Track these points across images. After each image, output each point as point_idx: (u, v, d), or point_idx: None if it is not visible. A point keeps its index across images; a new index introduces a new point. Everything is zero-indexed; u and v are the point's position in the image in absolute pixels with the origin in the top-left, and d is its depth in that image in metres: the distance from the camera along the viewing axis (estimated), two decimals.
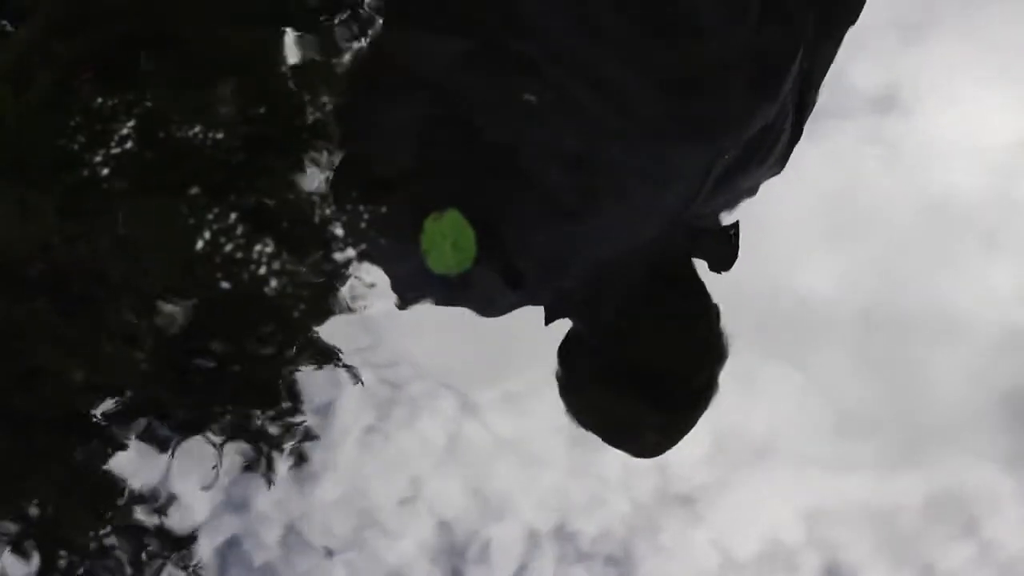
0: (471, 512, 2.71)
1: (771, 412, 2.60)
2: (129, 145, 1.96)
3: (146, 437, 2.38)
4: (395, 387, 2.66)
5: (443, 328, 2.39)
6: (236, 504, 2.57)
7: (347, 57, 2.00)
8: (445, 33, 1.22)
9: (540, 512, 2.72)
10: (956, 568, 2.68)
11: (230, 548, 2.60)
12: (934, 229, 2.64)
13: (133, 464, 2.44)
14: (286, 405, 2.41)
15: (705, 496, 2.72)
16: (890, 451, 2.65)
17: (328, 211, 2.03)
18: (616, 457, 2.71)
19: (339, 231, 2.08)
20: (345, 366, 2.42)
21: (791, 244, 2.54)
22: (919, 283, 2.63)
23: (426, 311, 2.23)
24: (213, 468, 2.42)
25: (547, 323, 1.44)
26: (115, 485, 2.35)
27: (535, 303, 1.43)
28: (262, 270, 2.09)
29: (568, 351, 1.47)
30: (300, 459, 2.50)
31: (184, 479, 2.46)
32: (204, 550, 2.55)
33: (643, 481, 2.73)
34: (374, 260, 1.50)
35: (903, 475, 2.66)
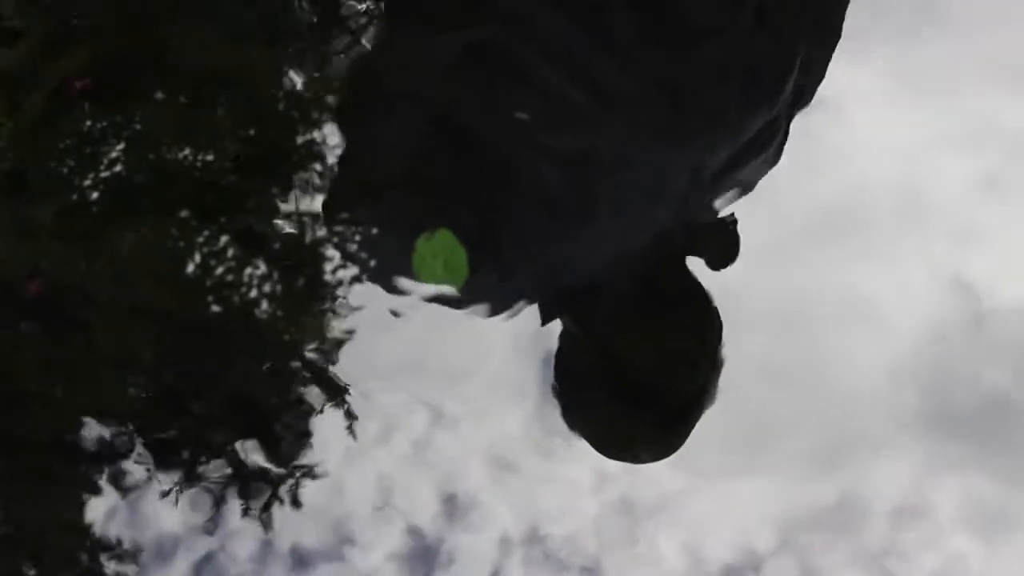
0: (441, 519, 2.72)
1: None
2: (119, 167, 1.95)
3: (134, 461, 2.37)
4: (367, 397, 2.66)
5: (415, 338, 2.41)
6: (210, 518, 2.56)
7: (339, 76, 2.00)
8: (441, 31, 1.23)
9: (512, 518, 2.74)
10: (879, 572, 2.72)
11: (205, 563, 2.59)
12: (846, 226, 2.66)
13: (121, 486, 2.42)
14: (278, 428, 2.41)
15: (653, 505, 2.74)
16: (807, 455, 2.68)
17: (320, 232, 2.04)
18: (586, 464, 2.75)
19: (330, 252, 2.08)
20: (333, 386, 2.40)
21: None
22: (833, 280, 2.65)
23: (396, 323, 2.23)
24: (196, 485, 2.41)
25: (543, 323, 1.44)
26: (101, 508, 2.34)
27: (530, 303, 1.43)
28: (253, 292, 2.09)
29: (563, 358, 1.46)
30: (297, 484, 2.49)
31: (169, 494, 2.45)
32: (180, 565, 2.55)
33: (613, 487, 2.75)
34: (366, 275, 1.50)
35: (821, 479, 2.69)
